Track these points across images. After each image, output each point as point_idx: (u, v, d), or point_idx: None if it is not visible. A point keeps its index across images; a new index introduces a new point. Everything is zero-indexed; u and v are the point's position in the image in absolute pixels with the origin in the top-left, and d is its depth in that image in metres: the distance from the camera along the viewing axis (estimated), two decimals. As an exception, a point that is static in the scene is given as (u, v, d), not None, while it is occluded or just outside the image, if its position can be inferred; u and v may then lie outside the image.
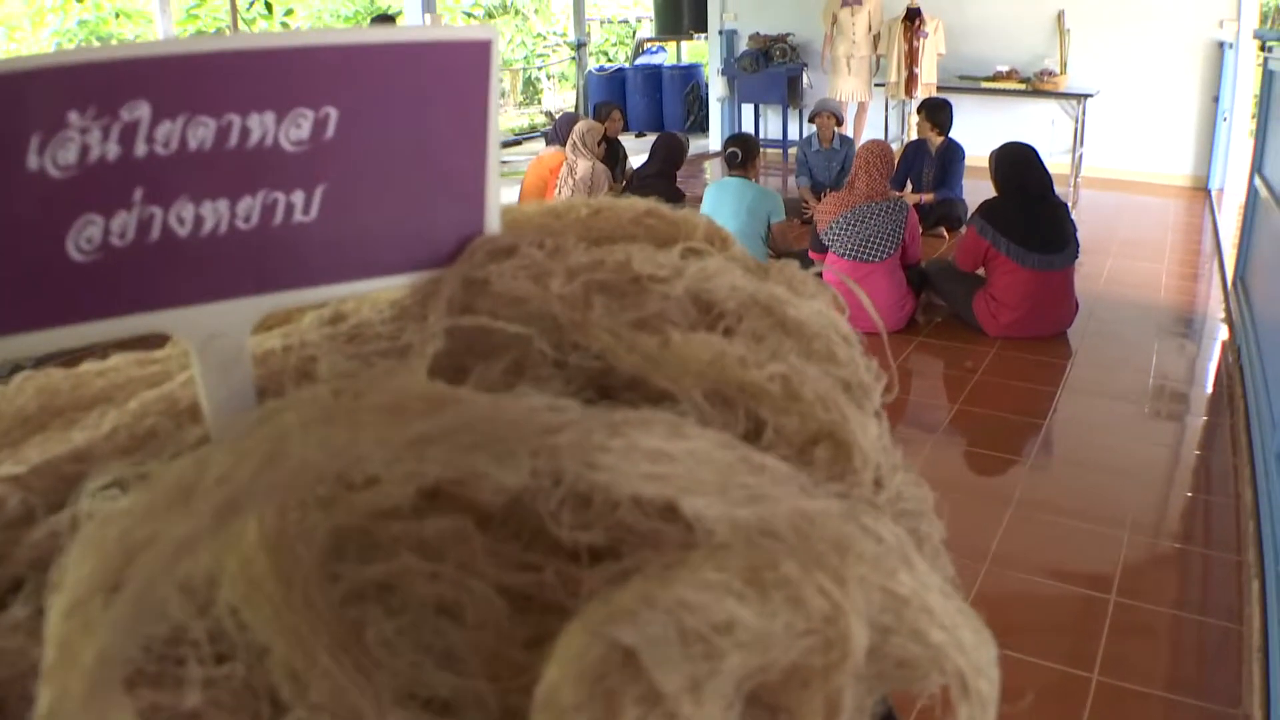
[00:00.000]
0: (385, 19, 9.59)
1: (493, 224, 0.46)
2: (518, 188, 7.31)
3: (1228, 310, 5.57)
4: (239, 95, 0.38)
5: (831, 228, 5.18)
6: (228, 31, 13.45)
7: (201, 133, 0.38)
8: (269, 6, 16.51)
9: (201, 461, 0.33)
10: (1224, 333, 5.35)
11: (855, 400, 0.44)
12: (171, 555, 0.30)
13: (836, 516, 0.36)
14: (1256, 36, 8.26)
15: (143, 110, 0.36)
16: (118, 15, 16.36)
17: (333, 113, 0.40)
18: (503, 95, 17.48)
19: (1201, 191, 9.32)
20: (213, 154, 0.38)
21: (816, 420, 0.40)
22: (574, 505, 0.35)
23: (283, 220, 0.40)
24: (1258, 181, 5.11)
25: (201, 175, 0.38)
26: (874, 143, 5.45)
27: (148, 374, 0.44)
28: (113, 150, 0.36)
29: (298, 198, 0.40)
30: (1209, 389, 4.71)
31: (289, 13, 17.64)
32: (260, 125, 0.38)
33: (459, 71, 0.43)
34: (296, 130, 0.39)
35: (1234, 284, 5.57)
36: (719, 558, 0.33)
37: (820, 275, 0.50)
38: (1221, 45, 9.15)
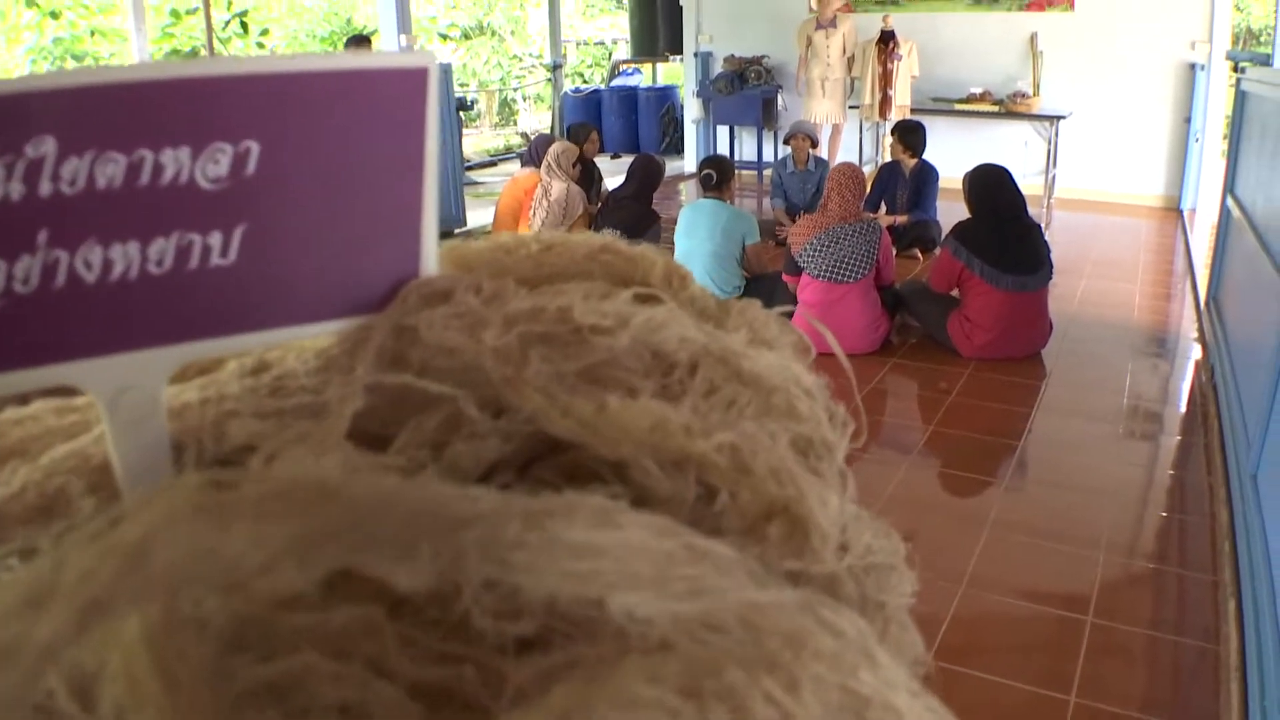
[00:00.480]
0: (361, 39, 9.57)
1: (429, 265, 0.43)
2: (492, 209, 7.30)
3: (1201, 330, 5.60)
4: (151, 129, 0.35)
5: (805, 249, 5.18)
6: (203, 51, 13.41)
7: (111, 170, 0.35)
8: (244, 26, 16.47)
9: (60, 562, 0.30)
10: (1197, 352, 5.37)
11: (817, 457, 0.41)
12: (34, 662, 0.28)
13: (790, 608, 0.33)
14: (1229, 58, 8.36)
15: (48, 146, 0.34)
16: (93, 33, 16.30)
17: (254, 147, 0.37)
18: (478, 116, 17.50)
19: (1174, 212, 9.38)
20: (123, 193, 0.35)
21: (769, 495, 0.37)
22: (499, 593, 0.32)
23: (198, 264, 0.37)
24: (1230, 202, 5.14)
25: (111, 216, 0.35)
26: (845, 165, 5.47)
27: (66, 424, 0.41)
28: (16, 189, 0.34)
29: (215, 239, 0.37)
30: (1183, 409, 4.73)
31: (264, 32, 17.61)
32: (174, 161, 0.36)
33: (394, 101, 0.40)
34: (214, 166, 0.36)
35: (1207, 304, 5.60)
36: (654, 665, 0.30)
37: (786, 315, 0.47)
38: (1193, 67, 9.23)
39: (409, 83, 0.40)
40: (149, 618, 0.29)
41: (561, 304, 0.39)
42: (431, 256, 0.43)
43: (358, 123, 0.39)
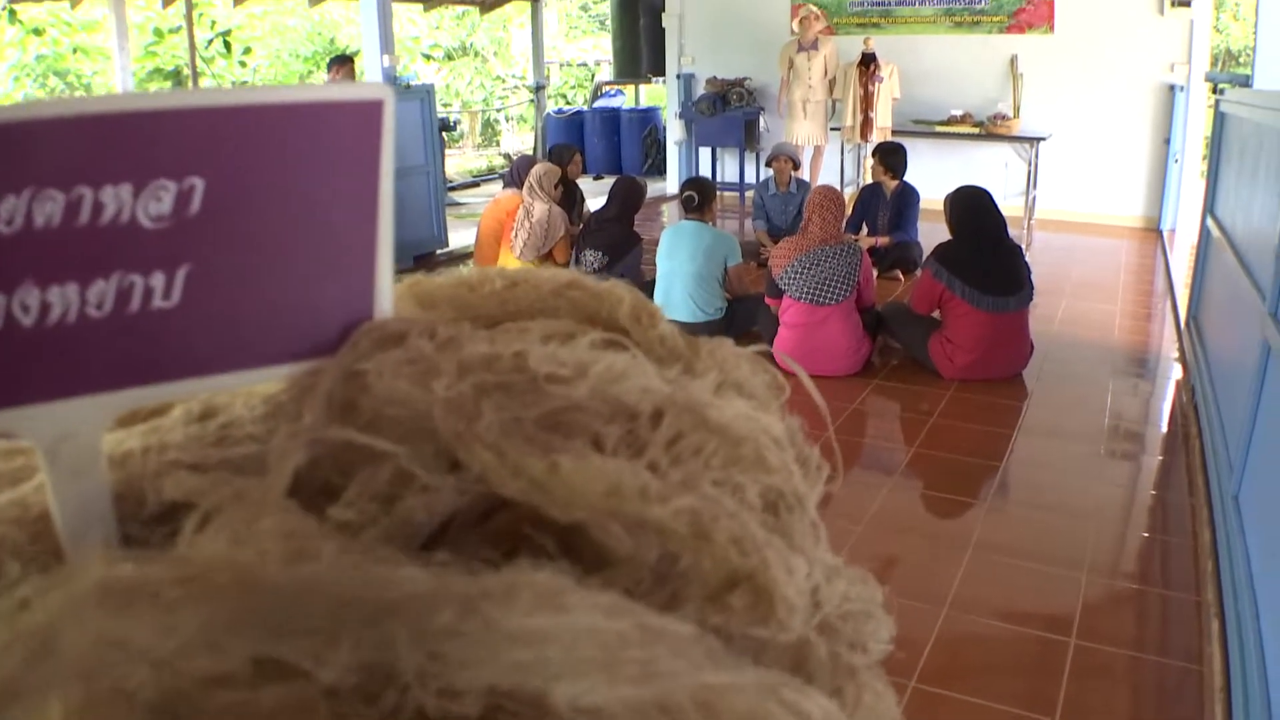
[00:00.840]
0: (344, 59, 9.56)
1: (384, 306, 0.41)
2: (475, 230, 7.29)
3: (1181, 350, 5.62)
4: (91, 165, 0.33)
5: (786, 271, 5.19)
6: (186, 71, 13.38)
7: (49, 208, 0.33)
8: (227, 45, 16.49)
9: None
10: (1178, 372, 5.39)
11: (787, 509, 0.40)
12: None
13: (751, 691, 0.31)
14: (1208, 79, 8.43)
15: None
16: (75, 51, 16.29)
17: (198, 184, 0.35)
18: (461, 137, 17.52)
19: (1153, 232, 9.45)
20: (61, 232, 0.33)
21: (731, 564, 0.35)
22: (434, 683, 0.30)
23: (140, 306, 0.35)
24: (1210, 222, 5.18)
25: (49, 257, 0.33)
26: (824, 188, 5.49)
27: (11, 469, 0.39)
28: None
29: (157, 281, 0.35)
30: (1164, 428, 4.74)
31: (247, 51, 17.64)
32: (115, 199, 0.34)
33: (347, 136, 0.38)
34: (156, 204, 0.34)
35: (1187, 323, 5.62)
36: None
37: (768, 337, 0.46)
38: (1172, 88, 9.32)
39: (363, 116, 0.39)
40: (71, 699, 0.27)
41: (518, 349, 0.37)
42: (386, 297, 0.41)
43: (308, 158, 0.37)
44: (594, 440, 0.37)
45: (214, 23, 16.30)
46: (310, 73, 18.68)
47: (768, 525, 0.37)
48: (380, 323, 0.40)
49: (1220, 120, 5.31)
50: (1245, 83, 5.48)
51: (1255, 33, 5.43)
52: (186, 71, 12.93)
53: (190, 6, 10.98)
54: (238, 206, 0.36)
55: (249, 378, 0.39)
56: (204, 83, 15.13)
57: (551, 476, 0.34)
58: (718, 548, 0.35)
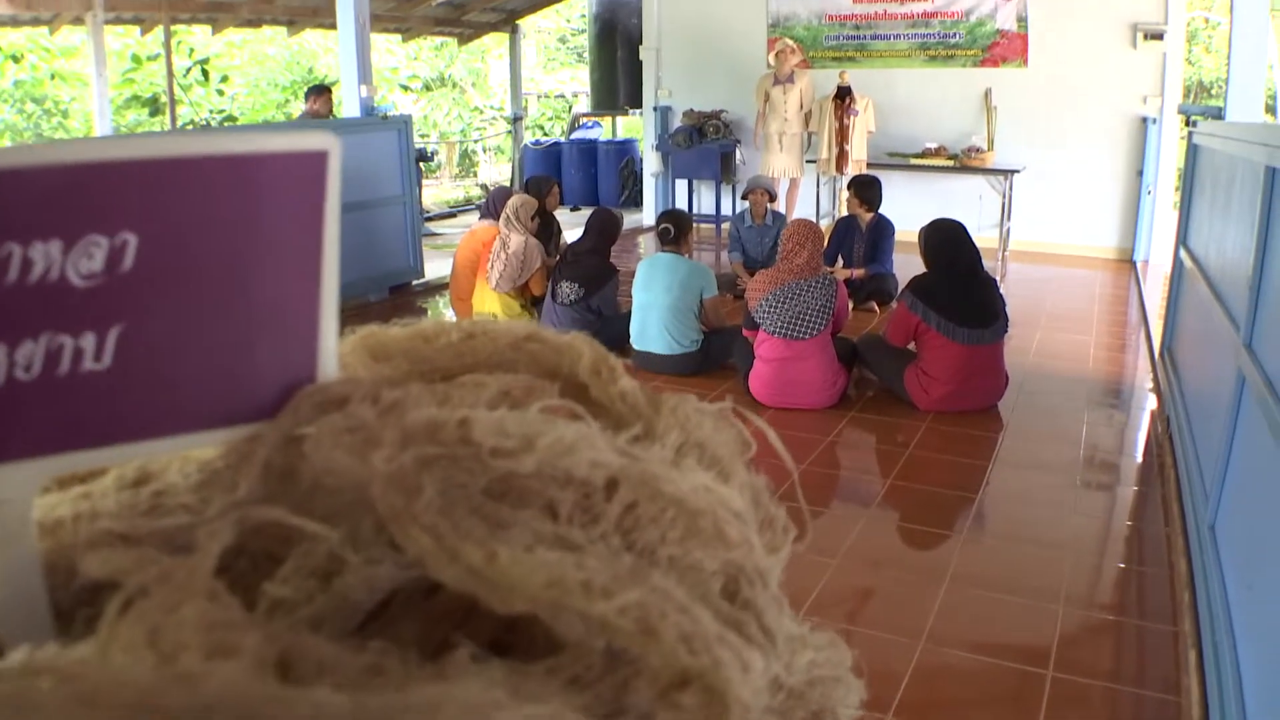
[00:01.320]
0: (321, 89, 9.56)
1: (327, 367, 0.39)
2: (450, 261, 7.28)
3: (1156, 380, 5.65)
4: (19, 221, 0.31)
5: (761, 305, 5.20)
6: (163, 98, 13.32)
7: None
8: (205, 74, 16.45)
9: None
10: (1153, 402, 5.42)
11: (749, 583, 0.38)
12: None
13: None
14: (1181, 112, 8.53)
15: None
16: (53, 77, 16.24)
17: (131, 240, 0.33)
18: (439, 167, 17.53)
19: (1127, 263, 9.52)
20: None
21: (680, 663, 0.33)
22: None
23: (70, 369, 0.33)
24: (1183, 253, 5.21)
25: None
26: (803, 221, 5.50)
27: None
28: None
29: (88, 342, 0.34)
30: (1139, 459, 4.75)
31: (225, 79, 17.60)
32: (44, 256, 0.32)
33: (289, 188, 0.36)
34: (88, 261, 0.33)
35: (1161, 354, 5.65)
36: None
37: (724, 412, 0.44)
38: (1145, 120, 9.41)
39: (307, 167, 0.37)
40: None
41: (463, 417, 0.35)
42: (330, 357, 0.39)
43: (249, 212, 0.36)
44: (548, 507, 0.35)
45: (192, 50, 16.27)
46: (288, 101, 18.68)
47: (723, 615, 0.35)
48: (322, 386, 0.38)
49: (1193, 152, 5.36)
50: (1218, 115, 5.54)
51: (1228, 65, 5.49)
52: (164, 99, 12.91)
53: (169, 34, 10.96)
54: (173, 263, 0.35)
55: (184, 443, 0.37)
56: (181, 110, 15.11)
57: (489, 566, 0.32)
58: (666, 645, 0.33)
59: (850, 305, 5.63)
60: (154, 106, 16.14)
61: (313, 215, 0.37)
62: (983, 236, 7.66)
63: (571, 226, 7.64)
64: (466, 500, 0.33)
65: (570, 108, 19.46)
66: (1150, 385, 5.71)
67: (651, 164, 11.78)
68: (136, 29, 12.08)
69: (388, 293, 8.16)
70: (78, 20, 10.59)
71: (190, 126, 15.49)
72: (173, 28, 11.45)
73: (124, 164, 0.33)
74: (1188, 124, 6.14)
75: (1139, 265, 9.36)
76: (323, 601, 0.33)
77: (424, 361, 0.42)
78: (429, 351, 0.42)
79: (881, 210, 7.63)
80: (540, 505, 0.34)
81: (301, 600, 0.33)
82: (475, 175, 19.32)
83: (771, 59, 9.92)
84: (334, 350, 0.38)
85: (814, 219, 9.72)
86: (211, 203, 0.35)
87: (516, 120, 15.53)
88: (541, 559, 0.32)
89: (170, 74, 11.46)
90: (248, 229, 0.36)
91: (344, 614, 0.33)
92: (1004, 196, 9.61)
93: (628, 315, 6.00)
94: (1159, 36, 9.26)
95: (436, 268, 8.59)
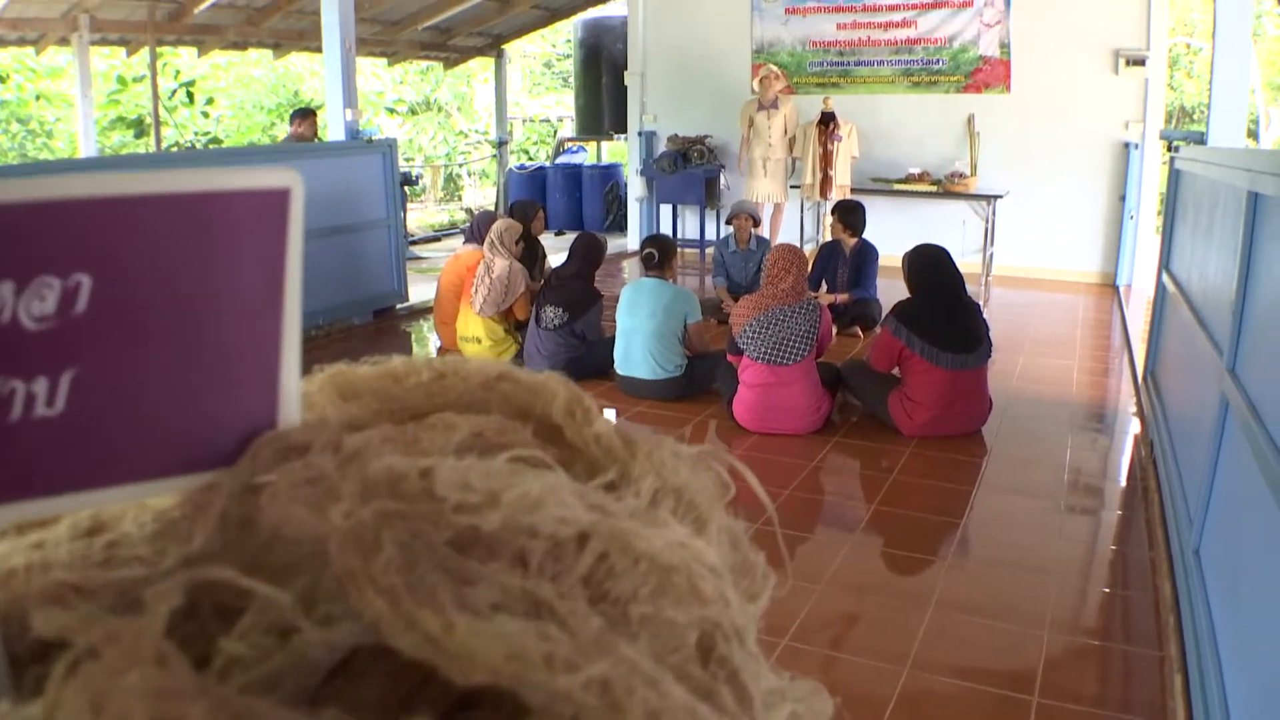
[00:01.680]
0: (306, 112, 9.56)
1: (289, 413, 0.37)
2: (435, 284, 7.27)
3: (1139, 404, 5.67)
4: None
5: (745, 330, 5.19)
6: (148, 120, 13.30)
7: None
8: (190, 96, 16.45)
9: None
10: (1136, 427, 5.43)
11: (725, 639, 0.37)
12: None
13: None
14: (1163, 137, 8.59)
15: None
16: (39, 97, 16.21)
17: (85, 281, 0.32)
18: (423, 191, 17.54)
19: (1110, 288, 9.57)
20: None
21: None
22: None
23: (21, 414, 0.32)
24: (1165, 278, 5.24)
25: None
26: (787, 246, 5.49)
27: None
28: None
29: (40, 386, 0.32)
30: (1123, 483, 4.76)
31: (210, 101, 17.60)
32: None
33: (250, 227, 0.35)
34: (40, 304, 0.31)
35: (1144, 378, 5.67)
36: None
37: (702, 455, 0.43)
38: (1127, 145, 9.48)
39: (268, 206, 0.36)
40: None
41: (426, 467, 0.34)
42: (291, 402, 0.38)
43: (207, 252, 0.34)
44: (518, 556, 0.34)
45: (178, 72, 16.27)
46: (273, 124, 18.69)
47: (694, 685, 0.34)
48: (282, 433, 0.37)
49: (1175, 177, 5.39)
50: (1200, 140, 5.58)
51: (1210, 90, 5.53)
52: (149, 121, 12.89)
53: (154, 55, 10.94)
54: (129, 305, 0.33)
55: (139, 491, 0.36)
56: (166, 132, 15.09)
57: (447, 636, 0.30)
58: None
59: (834, 330, 5.64)
60: (139, 128, 16.14)
61: (274, 255, 0.36)
62: (966, 261, 7.70)
63: (556, 251, 7.64)
64: (431, 554, 0.32)
65: (555, 132, 19.51)
66: (1133, 409, 5.73)
67: (636, 189, 11.80)
68: (122, 50, 12.09)
69: (371, 316, 8.14)
70: (63, 41, 10.59)
71: (175, 148, 15.48)
72: (158, 49, 11.46)
73: (78, 202, 0.32)
74: (1170, 149, 6.18)
75: (1121, 290, 9.41)
76: (280, 659, 0.31)
77: (394, 401, 0.41)
78: (399, 391, 0.41)
79: (865, 235, 7.66)
80: (510, 555, 0.33)
81: (258, 658, 0.32)
82: (460, 199, 19.35)
83: (756, 85, 9.97)
84: (296, 394, 0.37)
85: (798, 244, 9.77)
86: (169, 242, 0.34)
87: (501, 144, 15.57)
88: (501, 630, 0.30)
89: (155, 96, 11.43)
90: (206, 269, 0.35)
91: (302, 672, 0.32)
92: (987, 221, 9.65)
93: (612, 340, 5.99)
94: (1141, 62, 9.35)
95: (421, 291, 8.58)
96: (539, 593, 0.32)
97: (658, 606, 0.34)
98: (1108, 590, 3.68)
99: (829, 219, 8.10)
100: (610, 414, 5.66)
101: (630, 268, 10.46)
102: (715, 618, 0.36)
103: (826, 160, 9.47)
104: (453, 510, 0.33)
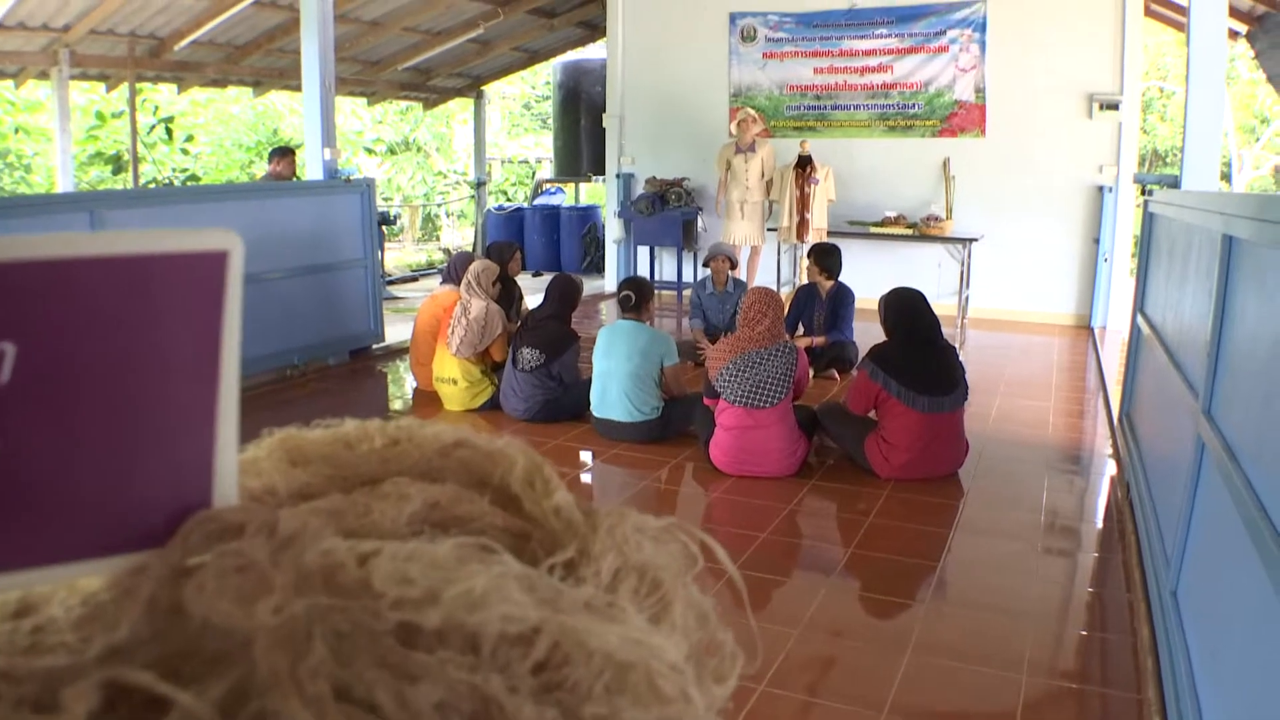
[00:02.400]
0: (285, 151, 9.57)
1: (223, 490, 0.36)
2: (411, 325, 7.25)
3: (1115, 446, 5.68)
4: None
5: (722, 374, 5.19)
6: (127, 156, 13.25)
7: None
8: (169, 132, 16.45)
9: None
10: (1112, 468, 5.44)
11: None
12: None
13: None
14: (1137, 181, 8.70)
15: None
16: (17, 130, 16.19)
17: (9, 350, 0.30)
18: (401, 230, 17.55)
19: (1085, 330, 9.64)
20: None
21: None
22: None
23: None
24: (1140, 320, 5.27)
25: None
26: (763, 290, 5.49)
27: None
28: None
29: None
30: (1100, 525, 4.76)
31: (190, 139, 17.60)
32: None
33: (185, 292, 0.33)
34: None
35: (1120, 420, 5.69)
36: None
37: (669, 527, 0.41)
38: (1101, 189, 9.59)
39: (205, 269, 0.34)
40: None
41: (366, 551, 0.33)
42: (227, 478, 0.36)
43: (140, 319, 0.33)
44: (469, 641, 0.32)
45: (157, 108, 16.29)
46: (252, 162, 18.70)
47: None
48: (215, 513, 0.35)
49: (1149, 220, 5.44)
50: (1174, 183, 5.64)
51: (1184, 134, 5.60)
52: (127, 157, 12.87)
53: (134, 91, 10.95)
54: (55, 374, 0.32)
55: (65, 572, 0.34)
56: (144, 169, 15.07)
57: None
58: None
59: (811, 372, 5.63)
60: (117, 164, 16.13)
61: (211, 321, 0.35)
62: (942, 304, 7.75)
63: (534, 292, 7.64)
64: (372, 646, 0.30)
65: (534, 173, 19.61)
66: (1109, 451, 5.74)
67: (614, 230, 11.84)
68: (102, 85, 12.08)
69: (348, 356, 8.10)
70: (43, 75, 10.58)
71: (153, 185, 15.45)
72: (138, 85, 11.46)
73: (3, 266, 0.30)
74: (1144, 192, 6.25)
75: (1096, 331, 9.48)
76: None
77: (346, 468, 0.39)
78: (351, 458, 0.40)
79: (841, 278, 7.69)
80: (460, 642, 0.32)
81: None
82: (438, 239, 19.37)
83: (733, 128, 10.04)
84: (232, 470, 0.35)
85: (775, 286, 9.81)
86: (100, 309, 0.32)
87: (480, 185, 15.61)
88: None
89: (134, 131, 11.43)
90: (139, 337, 0.33)
91: None
92: (963, 264, 9.72)
93: (588, 382, 5.98)
94: (1114, 107, 9.48)
95: (397, 332, 8.56)
96: (488, 688, 0.30)
97: (614, 707, 0.33)
98: (1085, 633, 3.67)
99: (806, 262, 8.13)
100: (586, 456, 5.64)
101: (608, 309, 10.46)
102: (676, 717, 0.34)
103: (803, 203, 9.53)
104: (390, 607, 0.31)
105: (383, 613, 0.31)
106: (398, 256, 15.93)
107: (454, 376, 6.39)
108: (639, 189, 11.46)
